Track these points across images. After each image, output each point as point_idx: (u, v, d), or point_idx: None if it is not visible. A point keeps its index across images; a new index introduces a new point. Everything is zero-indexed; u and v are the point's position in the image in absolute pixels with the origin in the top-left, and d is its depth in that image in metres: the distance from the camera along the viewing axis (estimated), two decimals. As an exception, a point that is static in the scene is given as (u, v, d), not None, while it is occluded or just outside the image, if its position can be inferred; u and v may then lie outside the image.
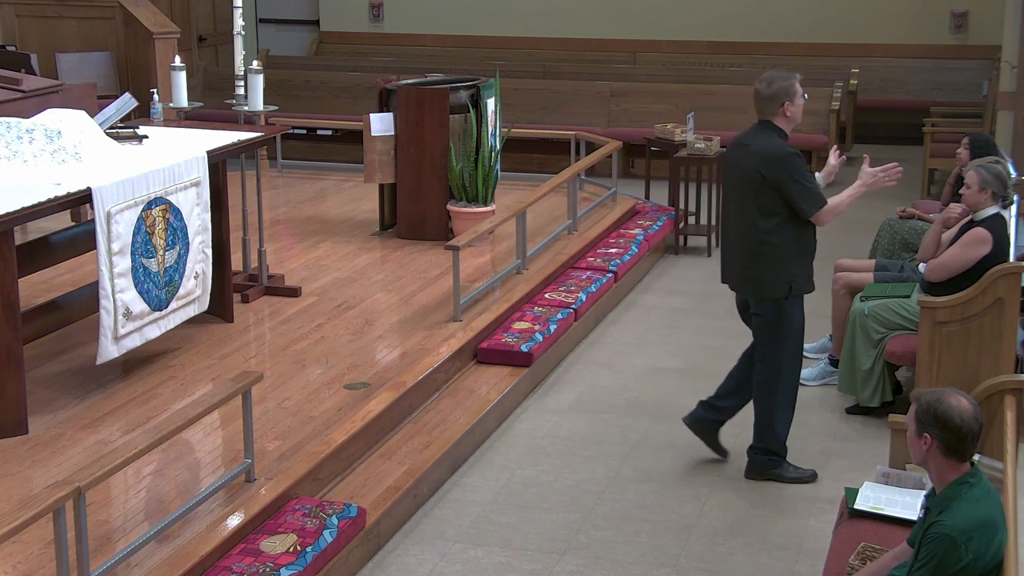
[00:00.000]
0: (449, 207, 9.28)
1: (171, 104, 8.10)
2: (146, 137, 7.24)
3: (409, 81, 9.74)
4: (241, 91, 7.91)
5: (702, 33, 15.00)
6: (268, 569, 4.80)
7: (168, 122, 8.18)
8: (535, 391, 7.31)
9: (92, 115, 7.18)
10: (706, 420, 6.36)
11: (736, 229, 6.03)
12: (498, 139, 9.47)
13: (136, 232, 6.25)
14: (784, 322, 6.00)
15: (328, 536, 5.08)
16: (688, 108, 12.09)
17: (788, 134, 5.97)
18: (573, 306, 8.02)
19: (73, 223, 8.45)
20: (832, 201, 5.91)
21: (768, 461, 6.16)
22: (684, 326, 8.50)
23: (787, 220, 5.86)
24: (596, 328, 8.40)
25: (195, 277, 6.80)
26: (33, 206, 5.80)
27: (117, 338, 6.20)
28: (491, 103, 9.39)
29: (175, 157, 6.73)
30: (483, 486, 6.13)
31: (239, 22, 7.95)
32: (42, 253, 6.95)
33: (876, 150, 14.07)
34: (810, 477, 6.17)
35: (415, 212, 9.38)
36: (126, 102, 7.48)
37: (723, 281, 6.22)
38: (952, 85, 14.28)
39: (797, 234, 5.89)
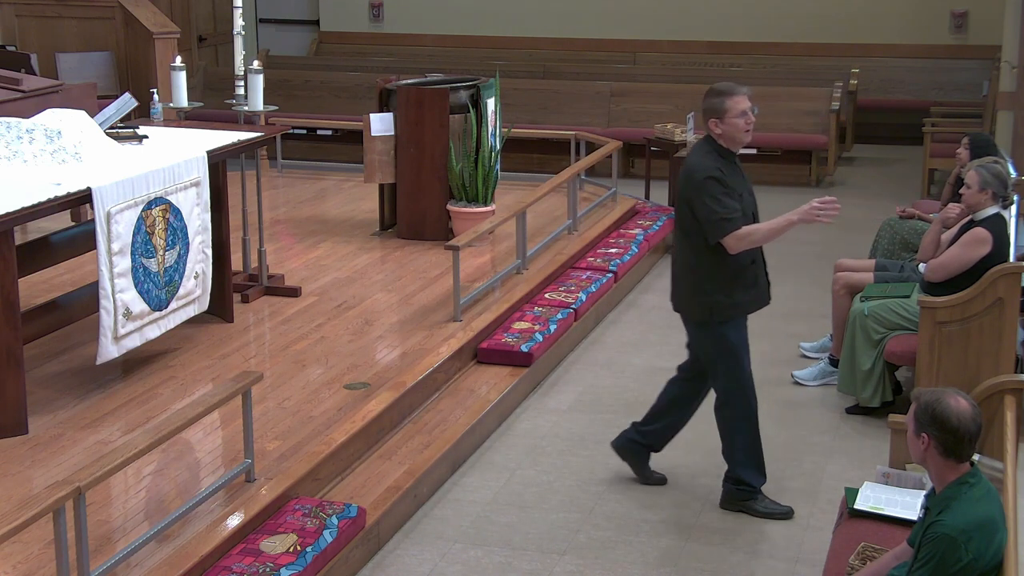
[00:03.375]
0: (449, 207, 9.29)
1: (171, 104, 8.10)
2: (146, 137, 7.24)
3: (409, 81, 9.74)
4: (241, 91, 7.91)
5: (702, 33, 15.00)
6: (268, 569, 4.80)
7: (168, 122, 8.18)
8: (535, 391, 7.31)
9: (92, 115, 7.18)
10: (632, 443, 6.12)
11: (676, 248, 5.81)
12: (498, 139, 9.47)
13: (136, 232, 6.25)
14: (715, 347, 5.72)
15: (328, 536, 5.08)
16: (688, 108, 12.09)
17: (728, 150, 5.59)
18: (573, 306, 8.02)
19: (73, 223, 8.45)
20: (748, 228, 5.50)
21: (738, 491, 5.84)
22: (684, 326, 8.48)
23: (706, 244, 5.55)
24: (596, 328, 8.40)
25: (195, 277, 6.80)
26: (33, 206, 5.80)
27: (117, 338, 6.20)
28: (491, 103, 9.40)
29: (175, 157, 6.73)
30: (483, 486, 6.13)
31: (239, 22, 7.95)
32: (42, 253, 6.95)
33: (876, 150, 14.17)
34: (784, 514, 5.81)
35: (415, 212, 9.38)
36: (126, 102, 7.48)
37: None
38: (952, 85, 14.29)
39: (719, 260, 5.55)
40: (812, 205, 5.49)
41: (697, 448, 6.54)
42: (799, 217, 5.53)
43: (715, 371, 5.81)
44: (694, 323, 5.80)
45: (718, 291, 5.61)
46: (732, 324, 5.70)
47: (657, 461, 6.34)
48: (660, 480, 6.15)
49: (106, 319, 6.11)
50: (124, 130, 7.25)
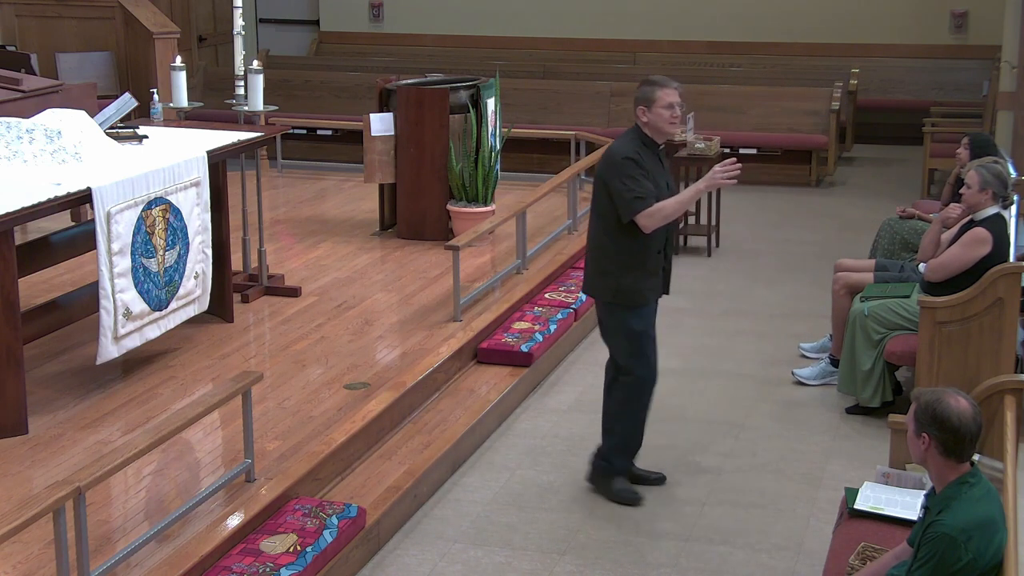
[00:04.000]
0: (449, 207, 9.29)
1: (171, 104, 8.10)
2: (146, 137, 7.24)
3: (409, 81, 9.75)
4: (241, 91, 7.91)
5: (702, 33, 15.00)
6: (268, 569, 4.80)
7: (168, 122, 8.18)
8: (535, 391, 7.31)
9: (92, 115, 7.18)
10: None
11: (589, 229, 5.95)
12: (498, 139, 9.47)
13: (136, 232, 6.25)
14: (617, 328, 5.85)
15: (328, 536, 5.08)
16: (688, 108, 12.06)
17: (654, 140, 5.77)
18: (573, 306, 8.01)
19: (73, 223, 8.45)
20: (659, 204, 5.62)
21: (604, 467, 5.98)
22: (684, 326, 8.49)
23: (618, 225, 5.70)
24: (596, 328, 8.38)
25: (195, 277, 6.81)
26: (33, 206, 5.80)
27: (117, 338, 6.20)
28: (491, 103, 9.40)
29: (175, 157, 6.73)
30: (483, 486, 6.13)
31: (239, 22, 7.95)
32: (42, 253, 6.95)
33: (876, 150, 14.18)
34: (636, 500, 5.90)
35: (415, 212, 9.38)
36: (126, 102, 7.48)
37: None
38: (952, 85, 14.29)
39: (628, 243, 5.71)
40: (715, 171, 5.69)
41: (697, 448, 6.54)
42: (705, 184, 5.76)
43: (616, 351, 5.94)
44: (601, 304, 5.92)
45: (625, 274, 5.76)
46: (637, 312, 5.82)
47: (659, 462, 6.35)
48: (659, 479, 6.15)
49: (106, 319, 6.11)
50: (124, 130, 7.25)
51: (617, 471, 5.99)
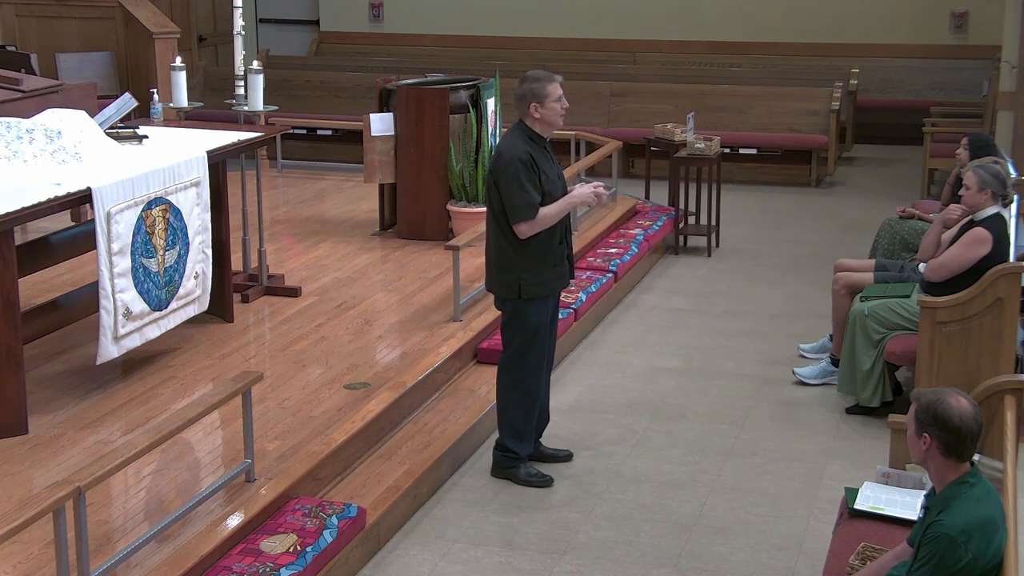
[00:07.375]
0: (449, 207, 9.29)
1: (171, 104, 8.10)
2: (146, 137, 7.24)
3: (409, 81, 9.75)
4: (241, 91, 7.91)
5: (702, 33, 15.00)
6: (268, 569, 4.80)
7: (168, 122, 8.18)
8: (535, 391, 7.30)
9: (92, 115, 7.18)
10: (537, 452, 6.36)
11: (488, 228, 6.06)
12: (498, 139, 9.47)
13: (136, 232, 6.25)
14: (516, 322, 5.98)
15: (328, 536, 5.08)
16: (688, 108, 12.10)
17: (541, 135, 5.89)
18: (573, 306, 8.01)
19: (73, 223, 8.45)
20: (540, 214, 5.79)
21: (504, 458, 6.15)
22: (684, 326, 8.50)
23: None
24: (596, 328, 8.40)
25: (195, 277, 6.80)
26: (33, 206, 5.79)
27: (117, 338, 6.20)
28: (491, 103, 9.40)
29: (175, 157, 6.73)
30: (483, 486, 6.13)
31: (239, 22, 7.95)
32: (42, 253, 6.95)
33: (876, 150, 14.18)
34: (546, 482, 6.09)
35: (415, 212, 9.38)
36: (126, 102, 7.48)
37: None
38: (952, 85, 14.29)
39: (529, 239, 5.84)
40: (590, 192, 5.92)
41: (697, 448, 6.54)
42: (580, 199, 5.97)
43: (508, 341, 6.06)
44: (503, 300, 6.02)
45: (526, 269, 5.89)
46: (536, 303, 5.96)
47: (658, 461, 6.35)
48: (567, 456, 6.36)
49: (106, 319, 6.11)
50: (124, 130, 7.25)
51: (519, 458, 6.12)
